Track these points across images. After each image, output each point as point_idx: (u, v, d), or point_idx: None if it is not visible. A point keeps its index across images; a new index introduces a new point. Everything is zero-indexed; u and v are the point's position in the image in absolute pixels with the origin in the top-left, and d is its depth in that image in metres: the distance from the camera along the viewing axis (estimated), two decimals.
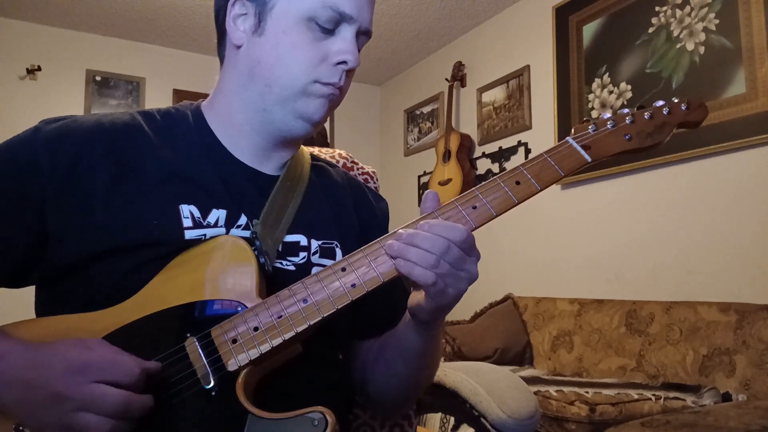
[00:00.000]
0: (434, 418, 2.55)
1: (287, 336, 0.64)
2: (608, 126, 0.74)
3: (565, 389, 1.99)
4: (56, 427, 0.58)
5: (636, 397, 1.90)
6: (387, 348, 0.81)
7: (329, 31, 0.73)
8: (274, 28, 0.73)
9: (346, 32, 0.74)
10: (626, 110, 0.76)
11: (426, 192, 0.71)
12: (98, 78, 3.79)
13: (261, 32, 0.74)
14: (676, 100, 0.76)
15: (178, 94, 3.98)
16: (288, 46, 0.73)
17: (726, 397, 1.92)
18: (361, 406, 1.05)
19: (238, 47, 0.77)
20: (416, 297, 0.68)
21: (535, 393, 1.81)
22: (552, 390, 1.98)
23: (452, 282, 0.64)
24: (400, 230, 0.66)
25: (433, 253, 0.63)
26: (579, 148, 0.72)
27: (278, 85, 0.74)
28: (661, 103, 0.76)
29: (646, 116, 0.75)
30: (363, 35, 0.77)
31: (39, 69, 3.56)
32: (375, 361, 0.84)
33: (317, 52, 0.73)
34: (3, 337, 0.63)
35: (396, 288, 0.89)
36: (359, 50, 0.77)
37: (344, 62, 0.73)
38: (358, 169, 1.15)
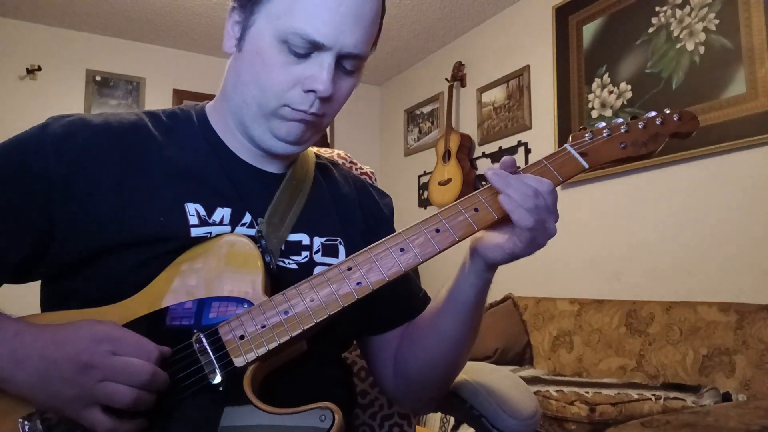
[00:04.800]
0: (434, 418, 2.55)
1: (294, 333, 0.65)
2: (604, 134, 0.77)
3: (565, 389, 1.99)
4: (77, 400, 0.58)
5: (636, 397, 1.90)
6: (431, 318, 0.81)
7: (303, 55, 0.70)
8: (251, 48, 0.72)
9: (321, 58, 0.70)
10: (620, 120, 0.79)
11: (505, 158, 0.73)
12: (98, 78, 3.79)
13: (240, 48, 0.74)
14: (668, 111, 0.80)
15: (178, 94, 3.98)
16: (260, 67, 0.71)
17: (726, 397, 1.92)
18: (360, 406, 1.06)
19: (229, 56, 0.78)
20: (494, 238, 0.70)
21: (535, 393, 1.81)
22: (552, 390, 1.98)
23: (541, 230, 0.66)
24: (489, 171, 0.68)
25: (530, 196, 0.66)
26: (577, 155, 0.75)
27: (254, 103, 0.74)
28: (654, 113, 0.79)
29: (640, 126, 0.78)
30: (349, 58, 0.72)
31: (39, 69, 3.56)
32: (416, 337, 0.83)
33: (289, 76, 0.71)
34: (15, 319, 0.64)
35: (407, 277, 0.89)
36: (355, 71, 0.74)
37: (314, 90, 0.70)
38: (356, 169, 1.15)
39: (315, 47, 0.69)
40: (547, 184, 0.68)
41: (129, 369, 0.58)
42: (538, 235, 0.67)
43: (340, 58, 0.71)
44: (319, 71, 0.70)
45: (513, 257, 0.69)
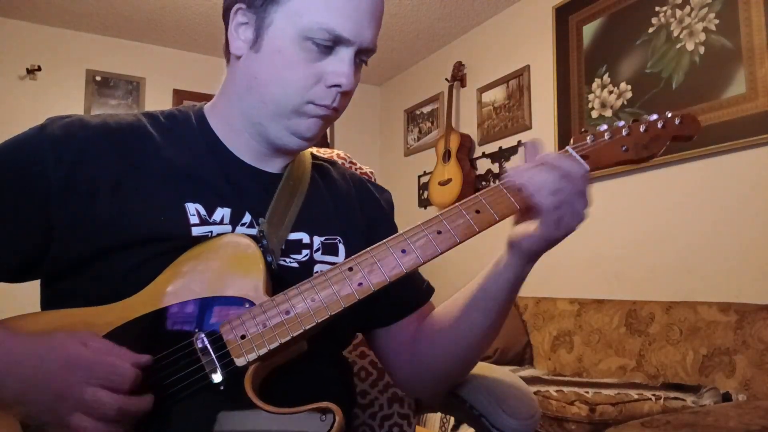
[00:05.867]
0: (434, 418, 2.55)
1: (295, 333, 0.65)
2: (606, 137, 0.77)
3: (565, 389, 1.99)
4: (55, 425, 0.58)
5: (636, 397, 1.90)
6: (459, 312, 0.81)
7: (326, 51, 0.72)
8: (270, 47, 0.73)
9: (344, 53, 0.73)
10: (622, 123, 0.79)
11: (527, 142, 0.74)
12: (98, 78, 3.79)
13: (258, 48, 0.74)
14: (669, 115, 0.80)
15: (178, 94, 3.98)
16: (282, 66, 0.73)
17: (726, 397, 1.92)
18: (360, 406, 1.06)
19: (238, 57, 0.77)
20: (523, 228, 0.71)
21: (535, 393, 1.81)
22: (552, 390, 1.98)
23: (568, 214, 0.69)
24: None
25: (551, 180, 0.68)
26: (578, 158, 0.75)
27: (273, 103, 0.75)
28: (655, 116, 0.80)
29: (641, 129, 0.78)
30: (365, 53, 0.76)
31: (39, 69, 3.56)
32: (440, 330, 0.82)
33: (311, 72, 0.73)
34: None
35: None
36: (364, 64, 0.78)
37: (338, 85, 0.73)
38: (356, 169, 1.16)
39: (338, 42, 0.72)
40: (580, 166, 0.71)
41: (96, 404, 0.57)
42: (565, 216, 0.69)
43: (357, 53, 0.74)
44: (341, 66, 0.73)
45: (546, 242, 0.71)
